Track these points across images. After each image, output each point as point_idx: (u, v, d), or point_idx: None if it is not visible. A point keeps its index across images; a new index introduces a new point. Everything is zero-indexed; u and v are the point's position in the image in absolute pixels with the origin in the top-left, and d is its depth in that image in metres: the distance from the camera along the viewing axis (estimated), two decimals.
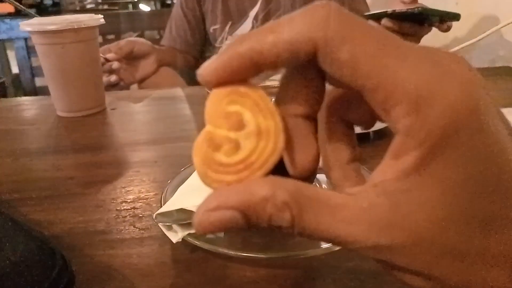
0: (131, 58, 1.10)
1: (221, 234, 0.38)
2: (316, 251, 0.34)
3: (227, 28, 1.30)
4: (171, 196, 0.41)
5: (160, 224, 0.38)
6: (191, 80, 1.28)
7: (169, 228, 0.37)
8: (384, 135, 0.55)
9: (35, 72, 1.59)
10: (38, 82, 1.60)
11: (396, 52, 0.16)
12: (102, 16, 0.73)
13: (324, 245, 0.34)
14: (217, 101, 0.19)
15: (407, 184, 0.16)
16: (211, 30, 1.34)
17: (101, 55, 0.99)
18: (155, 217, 0.38)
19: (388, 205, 0.16)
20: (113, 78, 1.02)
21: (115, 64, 1.02)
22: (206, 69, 0.19)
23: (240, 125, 0.19)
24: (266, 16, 1.27)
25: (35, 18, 0.72)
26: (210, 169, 0.19)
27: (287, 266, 0.35)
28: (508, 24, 0.82)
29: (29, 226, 0.35)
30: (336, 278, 0.33)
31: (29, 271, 0.27)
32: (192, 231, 0.36)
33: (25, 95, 1.59)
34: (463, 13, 0.91)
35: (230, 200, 0.17)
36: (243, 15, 1.29)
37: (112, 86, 1.02)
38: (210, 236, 0.37)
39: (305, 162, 0.20)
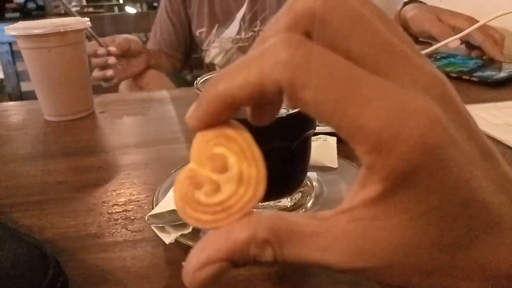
0: (126, 56, 1.10)
1: None
2: None
3: (214, 30, 1.30)
4: (163, 198, 0.41)
5: (152, 226, 0.38)
6: (180, 82, 1.28)
7: (162, 229, 0.37)
8: None
9: (20, 77, 1.57)
10: (24, 87, 1.58)
11: (357, 97, 0.16)
12: (89, 19, 0.73)
13: None
14: (204, 141, 0.20)
15: (374, 212, 0.17)
16: (197, 33, 1.33)
17: (102, 46, 0.98)
18: (147, 218, 0.38)
19: (358, 233, 0.18)
20: (109, 72, 1.01)
21: (112, 60, 1.01)
22: (190, 117, 0.20)
23: (223, 168, 0.19)
24: (252, 17, 1.27)
25: (20, 22, 0.71)
26: (188, 206, 0.20)
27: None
28: (489, 20, 0.84)
29: (19, 231, 0.34)
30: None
31: (21, 276, 0.27)
32: (185, 232, 0.36)
33: (11, 100, 1.57)
34: None
35: (215, 253, 0.18)
36: (229, 17, 1.29)
37: (104, 81, 1.02)
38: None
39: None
